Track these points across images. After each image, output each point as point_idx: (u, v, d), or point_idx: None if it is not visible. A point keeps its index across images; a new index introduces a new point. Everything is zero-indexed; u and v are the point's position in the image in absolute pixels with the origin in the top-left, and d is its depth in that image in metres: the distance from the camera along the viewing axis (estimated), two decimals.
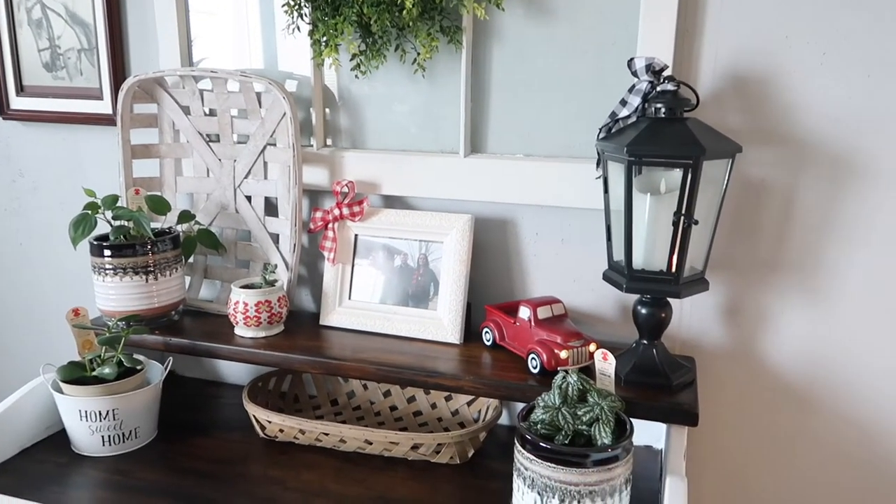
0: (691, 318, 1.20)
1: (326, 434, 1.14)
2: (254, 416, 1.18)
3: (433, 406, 1.28)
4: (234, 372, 1.43)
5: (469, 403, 1.26)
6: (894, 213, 1.08)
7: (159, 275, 1.26)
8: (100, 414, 1.12)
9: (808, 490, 1.21)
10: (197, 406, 1.34)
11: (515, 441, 0.94)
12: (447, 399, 1.27)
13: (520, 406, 1.03)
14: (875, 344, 1.13)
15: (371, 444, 1.13)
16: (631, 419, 0.96)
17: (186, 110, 1.37)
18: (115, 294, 1.24)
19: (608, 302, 1.24)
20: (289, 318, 1.32)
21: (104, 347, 1.16)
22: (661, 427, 1.17)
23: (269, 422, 1.16)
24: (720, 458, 1.24)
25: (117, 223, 1.26)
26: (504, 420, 1.28)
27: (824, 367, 1.16)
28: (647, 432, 1.18)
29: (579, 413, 0.93)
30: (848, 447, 1.18)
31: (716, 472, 1.25)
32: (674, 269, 1.01)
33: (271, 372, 1.32)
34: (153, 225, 1.30)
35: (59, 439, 1.19)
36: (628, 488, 0.93)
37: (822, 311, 1.14)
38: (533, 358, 1.10)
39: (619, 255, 1.07)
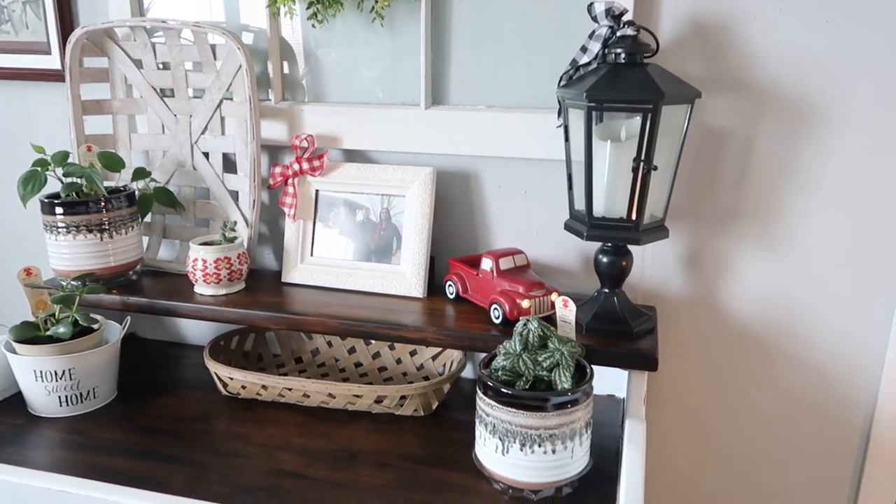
0: (653, 268, 1.21)
1: (289, 389, 1.13)
2: (215, 374, 1.17)
3: (398, 362, 1.28)
4: (196, 333, 1.41)
5: (434, 358, 1.26)
6: (850, 160, 1.10)
7: (114, 233, 1.23)
8: (55, 374, 1.09)
9: (765, 433, 1.24)
10: (157, 367, 1.32)
11: (477, 389, 0.94)
12: (412, 354, 1.27)
13: None
14: (831, 289, 1.16)
15: (334, 397, 1.13)
16: (591, 365, 0.96)
17: (139, 64, 1.32)
18: (69, 253, 1.21)
19: (571, 254, 1.24)
20: (250, 276, 1.30)
21: (58, 307, 1.13)
22: (623, 376, 1.19)
23: (231, 378, 1.15)
24: (680, 404, 1.27)
25: (68, 180, 1.22)
26: (468, 374, 1.29)
27: (782, 313, 1.18)
28: (610, 381, 1.19)
29: (539, 359, 0.93)
30: (804, 391, 1.20)
31: (675, 417, 1.28)
32: (634, 216, 1.02)
33: (233, 331, 1.30)
34: (107, 183, 1.26)
35: (14, 401, 1.17)
36: (588, 432, 0.94)
37: (780, 258, 1.16)
38: (495, 308, 1.10)
39: (579, 203, 1.07)
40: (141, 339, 1.44)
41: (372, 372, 1.28)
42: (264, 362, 1.32)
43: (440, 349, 1.24)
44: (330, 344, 1.31)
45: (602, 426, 1.09)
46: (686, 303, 1.21)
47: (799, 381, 1.20)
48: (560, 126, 1.08)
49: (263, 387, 1.14)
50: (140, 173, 1.29)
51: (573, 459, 0.92)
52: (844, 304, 1.15)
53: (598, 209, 1.03)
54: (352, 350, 1.30)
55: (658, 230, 1.06)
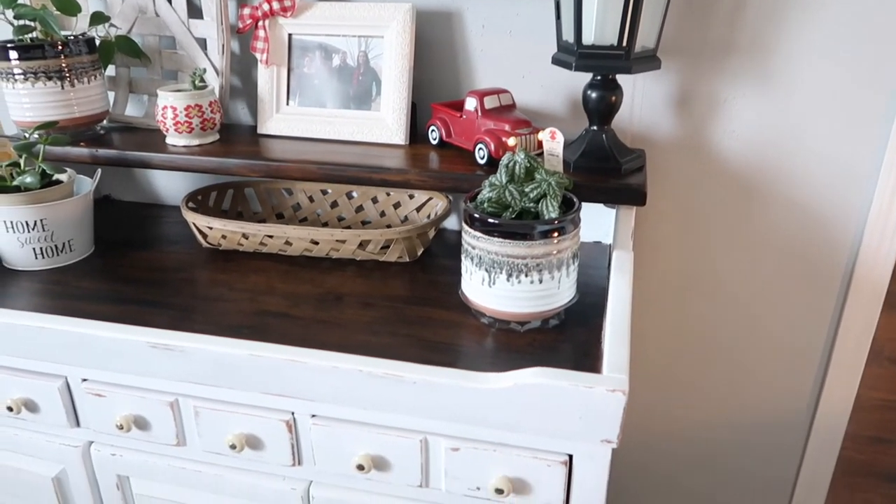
0: (642, 109, 1.17)
1: (270, 237, 1.10)
2: (193, 224, 1.14)
3: (382, 214, 1.25)
4: (171, 192, 1.37)
5: (418, 209, 1.23)
6: None
7: (76, 81, 1.16)
8: (27, 224, 1.06)
9: (752, 274, 1.25)
10: (134, 225, 1.29)
11: (463, 223, 0.92)
12: (395, 207, 1.25)
13: None
14: (823, 127, 1.13)
15: (317, 244, 1.10)
16: (580, 200, 0.94)
17: None
18: (30, 102, 1.14)
19: (558, 97, 1.19)
20: (224, 130, 1.25)
21: (23, 156, 1.08)
22: (610, 222, 1.18)
23: (210, 228, 1.12)
24: (666, 247, 1.26)
25: (20, 23, 1.13)
26: (453, 225, 1.27)
27: (773, 152, 1.16)
28: (596, 228, 1.18)
29: (526, 190, 0.91)
30: (791, 231, 1.20)
31: (662, 260, 1.28)
32: (625, 42, 0.96)
33: (211, 186, 1.26)
34: (64, 32, 1.18)
35: None
36: (575, 264, 0.93)
37: (773, 96, 1.12)
38: (480, 148, 1.06)
39: (568, 34, 1.01)
40: (116, 201, 1.40)
41: (355, 226, 1.26)
42: (244, 219, 1.29)
43: (424, 200, 1.21)
44: (311, 199, 1.28)
45: (588, 267, 1.09)
46: (675, 145, 1.18)
47: (786, 221, 1.19)
48: None
49: (244, 236, 1.12)
50: (98, 17, 1.20)
51: (560, 290, 0.91)
52: (836, 143, 1.13)
53: (588, 37, 0.98)
54: (334, 205, 1.27)
55: (650, 60, 1.01)
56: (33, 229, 1.06)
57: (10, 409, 0.97)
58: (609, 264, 1.12)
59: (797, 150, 1.15)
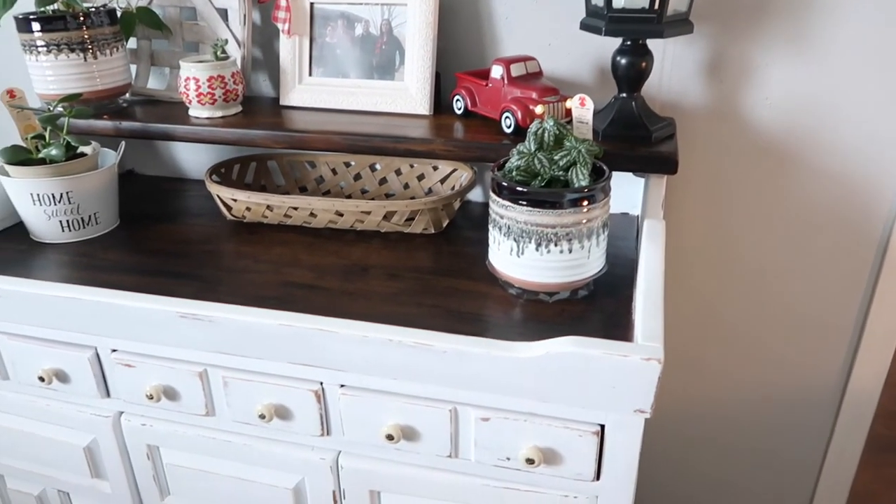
0: (671, 77, 1.14)
1: (295, 208, 1.10)
2: (217, 196, 1.13)
3: (406, 186, 1.24)
4: (194, 166, 1.37)
5: (443, 181, 1.22)
6: None
7: (98, 53, 1.15)
8: (53, 197, 1.06)
9: (781, 245, 1.23)
10: (159, 199, 1.29)
11: (490, 193, 0.91)
12: (419, 179, 1.23)
13: None
14: (859, 98, 1.09)
15: (342, 216, 1.10)
16: (609, 169, 0.92)
17: None
18: (53, 75, 1.14)
19: (585, 65, 1.17)
20: (246, 102, 1.24)
21: (48, 128, 1.08)
22: (637, 193, 1.16)
23: (235, 200, 1.12)
24: (693, 218, 1.24)
25: None
26: (478, 197, 1.26)
27: (807, 119, 1.13)
28: (624, 199, 1.16)
29: (555, 158, 0.89)
30: (824, 201, 1.17)
31: (689, 231, 1.25)
32: (657, 5, 0.93)
33: (234, 159, 1.25)
34: (85, 4, 1.17)
35: (16, 230, 1.14)
36: (605, 234, 0.91)
37: (808, 60, 1.09)
38: (507, 117, 1.04)
39: None
40: (139, 176, 1.40)
41: (379, 198, 1.25)
42: (268, 192, 1.28)
43: (449, 172, 1.20)
44: (334, 171, 1.26)
45: (616, 238, 1.07)
46: (705, 113, 1.15)
47: (820, 190, 1.16)
48: None
49: (269, 208, 1.11)
50: None
51: (589, 260, 0.90)
52: (873, 110, 1.10)
53: (619, 0, 0.95)
54: (357, 177, 1.26)
55: (682, 24, 0.98)
56: (59, 202, 1.06)
57: (41, 379, 0.98)
58: (637, 235, 1.11)
59: (833, 117, 1.11)
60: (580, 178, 0.87)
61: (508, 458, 0.82)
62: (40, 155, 1.07)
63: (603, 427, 0.78)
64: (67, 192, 1.06)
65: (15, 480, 1.16)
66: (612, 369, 0.71)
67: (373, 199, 1.25)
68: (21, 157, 1.06)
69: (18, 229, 1.14)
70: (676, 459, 1.47)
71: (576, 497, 0.83)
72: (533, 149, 0.90)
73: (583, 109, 0.94)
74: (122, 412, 1.00)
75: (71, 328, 0.93)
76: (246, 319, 0.82)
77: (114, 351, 0.95)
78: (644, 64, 1.01)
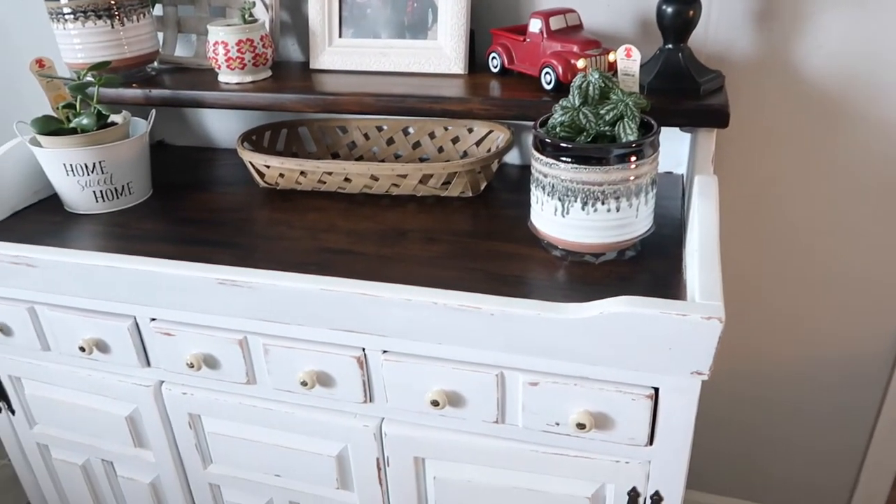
0: (718, 27, 1.09)
1: (329, 174, 1.07)
2: (250, 163, 1.11)
3: (440, 150, 1.21)
4: (225, 135, 1.35)
5: (478, 143, 1.18)
6: None
7: (125, 19, 1.13)
8: (86, 167, 1.05)
9: (836, 203, 1.17)
10: (190, 168, 1.27)
11: (532, 151, 0.87)
12: (454, 142, 1.20)
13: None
14: None
15: (377, 180, 1.07)
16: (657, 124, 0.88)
17: None
18: (80, 43, 1.12)
19: (625, 18, 1.11)
20: (276, 67, 1.21)
21: (78, 97, 1.06)
22: (681, 150, 1.11)
23: (268, 167, 1.09)
24: (741, 175, 1.19)
25: None
26: (515, 160, 1.22)
27: (864, 71, 1.06)
28: (667, 157, 1.11)
29: (601, 112, 0.85)
30: (884, 157, 1.11)
31: (736, 189, 1.20)
32: None
33: (264, 125, 1.23)
34: None
35: (50, 202, 1.14)
36: (653, 191, 0.87)
37: (865, 9, 1.02)
38: (547, 73, 1.00)
39: None
40: (169, 146, 1.39)
41: (413, 163, 1.22)
42: (300, 159, 1.26)
43: (485, 133, 1.16)
44: (367, 136, 1.23)
45: (661, 198, 1.03)
46: (754, 64, 1.10)
47: (876, 145, 1.11)
48: None
49: (302, 174, 1.09)
50: None
51: (638, 219, 0.86)
52: None
53: None
54: (390, 142, 1.23)
55: None
56: (92, 172, 1.05)
57: (82, 349, 0.97)
58: (683, 195, 1.06)
59: (889, 70, 1.05)
60: (628, 132, 0.83)
61: (557, 424, 0.80)
62: (71, 125, 1.05)
63: (657, 390, 0.75)
64: (100, 162, 1.05)
65: (60, 450, 1.17)
66: (670, 330, 0.68)
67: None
68: (52, 127, 1.05)
69: (53, 201, 1.13)
70: (721, 418, 1.44)
71: (627, 462, 0.80)
72: (577, 103, 0.86)
73: (629, 61, 0.90)
74: (162, 381, 1.00)
75: (109, 298, 0.92)
76: (286, 285, 0.80)
77: (153, 320, 0.94)
78: (692, 12, 0.96)
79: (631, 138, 0.83)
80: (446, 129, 1.18)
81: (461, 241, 0.96)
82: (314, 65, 1.19)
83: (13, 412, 1.14)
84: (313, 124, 1.23)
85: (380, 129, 1.22)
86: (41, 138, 1.05)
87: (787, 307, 1.28)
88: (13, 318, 1.01)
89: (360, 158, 1.24)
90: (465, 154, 1.19)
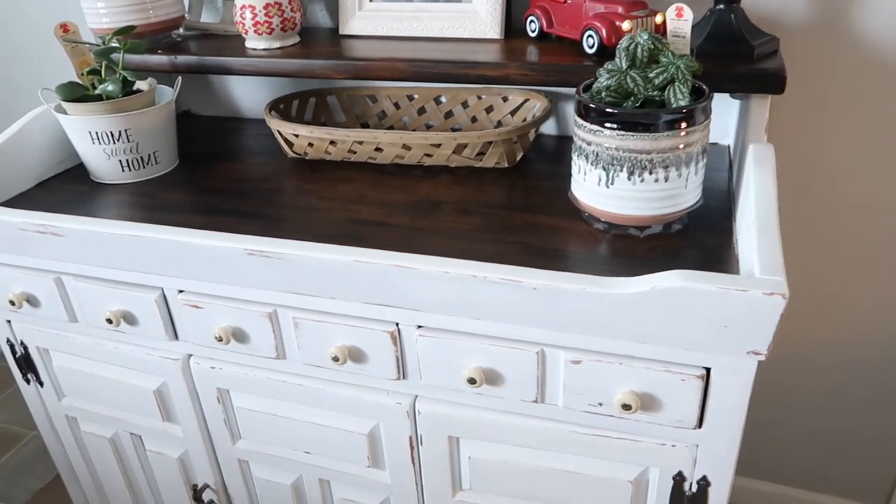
0: None
1: (360, 143, 1.04)
2: (278, 132, 1.08)
3: (473, 120, 1.16)
4: (252, 105, 1.31)
5: (513, 113, 1.13)
6: None
7: None
8: (112, 135, 1.02)
9: (890, 180, 1.11)
10: (216, 138, 1.24)
11: (575, 118, 0.82)
12: (488, 111, 1.15)
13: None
14: None
15: (409, 149, 1.03)
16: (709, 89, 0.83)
17: None
18: (105, 7, 1.09)
19: None
20: (303, 33, 1.17)
21: (103, 63, 1.03)
22: (729, 119, 1.06)
23: (296, 136, 1.06)
24: (794, 146, 1.13)
25: None
26: (552, 130, 1.17)
27: None
28: (714, 128, 1.05)
29: (650, 75, 0.80)
30: None
31: (789, 161, 1.14)
32: None
33: (292, 94, 1.19)
34: None
35: (76, 171, 1.12)
36: (704, 160, 0.82)
37: None
38: (589, 36, 0.95)
39: None
40: (195, 116, 1.36)
41: (446, 132, 1.18)
42: (329, 128, 1.22)
43: (520, 102, 1.11)
44: (397, 106, 1.19)
45: (707, 169, 0.97)
46: (809, 27, 1.03)
47: None
48: None
49: (332, 143, 1.05)
50: None
51: (686, 190, 0.81)
52: None
53: None
54: (421, 111, 1.19)
55: None
56: (118, 140, 1.03)
57: (109, 321, 0.96)
58: (731, 166, 1.01)
59: None
60: (679, 96, 0.78)
61: (601, 404, 0.76)
62: (97, 91, 1.03)
63: (709, 370, 0.71)
64: (126, 130, 1.02)
65: (88, 423, 1.16)
66: (727, 306, 0.63)
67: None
68: (78, 93, 1.03)
69: (79, 171, 1.11)
70: (769, 403, 1.39)
71: (674, 445, 0.77)
72: (624, 66, 0.80)
73: (680, 21, 0.84)
74: (190, 355, 0.98)
75: (136, 268, 0.90)
76: (318, 256, 0.77)
77: (180, 292, 0.91)
78: None
79: (682, 103, 0.78)
80: (480, 97, 1.14)
81: (497, 214, 0.92)
82: (343, 30, 1.15)
83: (41, 384, 1.14)
84: (342, 93, 1.19)
85: (411, 98, 1.17)
86: (66, 105, 1.02)
87: (835, 288, 1.22)
88: (40, 289, 1.00)
89: (390, 128, 1.20)
90: (500, 124, 1.14)
